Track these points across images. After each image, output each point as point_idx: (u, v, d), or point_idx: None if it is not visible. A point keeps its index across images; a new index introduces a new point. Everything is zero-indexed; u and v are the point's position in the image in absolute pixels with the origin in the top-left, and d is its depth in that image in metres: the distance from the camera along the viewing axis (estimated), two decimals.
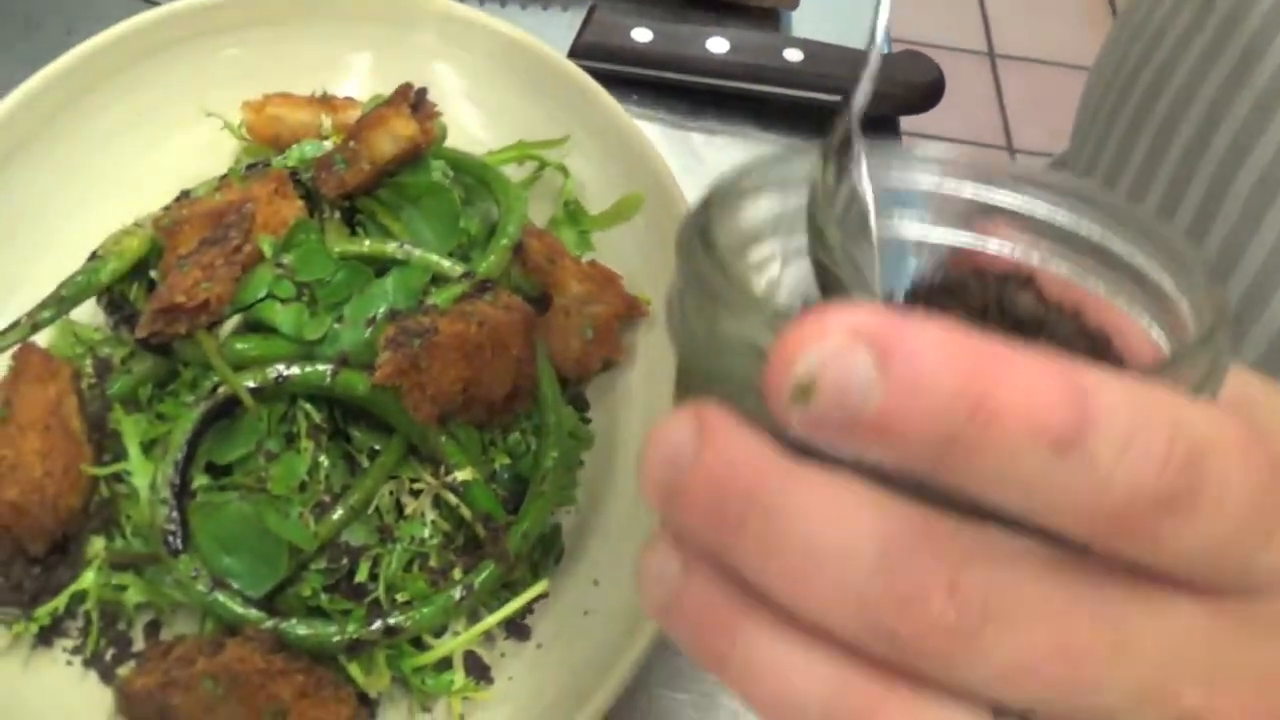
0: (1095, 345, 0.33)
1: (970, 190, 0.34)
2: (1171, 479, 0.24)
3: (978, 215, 0.34)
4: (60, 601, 0.52)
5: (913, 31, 2.31)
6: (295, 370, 0.52)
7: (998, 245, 0.34)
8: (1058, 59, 2.41)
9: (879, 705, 0.26)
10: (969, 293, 0.34)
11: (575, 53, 0.76)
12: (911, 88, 0.77)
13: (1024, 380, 0.24)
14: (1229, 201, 0.56)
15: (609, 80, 0.67)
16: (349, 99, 0.65)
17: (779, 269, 0.35)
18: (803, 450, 0.26)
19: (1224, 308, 0.30)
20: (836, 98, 0.76)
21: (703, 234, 0.31)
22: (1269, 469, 0.25)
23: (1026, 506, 0.25)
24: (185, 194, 0.61)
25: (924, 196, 0.35)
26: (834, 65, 0.76)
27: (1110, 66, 0.67)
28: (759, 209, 0.34)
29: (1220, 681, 0.26)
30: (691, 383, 0.31)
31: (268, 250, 0.55)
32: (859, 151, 0.33)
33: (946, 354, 0.23)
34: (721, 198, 0.33)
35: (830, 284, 0.33)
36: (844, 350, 0.23)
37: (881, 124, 0.78)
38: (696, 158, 0.76)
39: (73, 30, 0.72)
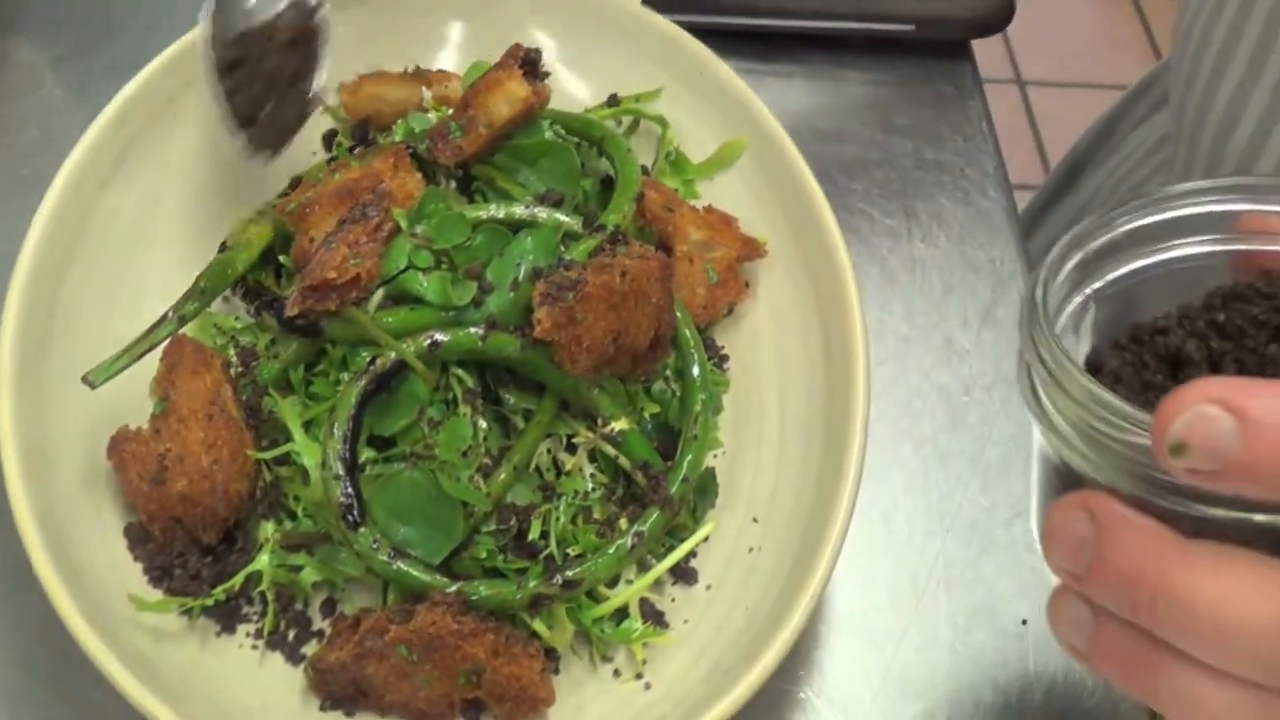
0: None
1: (1237, 204, 0.39)
2: None
3: (1258, 224, 0.39)
4: (236, 581, 0.52)
5: None
6: (447, 336, 0.53)
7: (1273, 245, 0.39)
8: None
9: None
10: (1261, 294, 0.37)
11: (649, 2, 0.76)
12: (981, 8, 0.77)
13: None
14: None
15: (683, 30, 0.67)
16: (444, 72, 0.65)
17: (1089, 315, 0.41)
18: (1175, 521, 0.33)
19: None
20: (908, 27, 0.77)
21: (1045, 330, 0.37)
22: None
23: None
24: (297, 180, 0.62)
25: (1193, 220, 0.40)
26: None
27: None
28: (1066, 279, 0.40)
29: None
30: (1061, 459, 0.37)
31: (403, 223, 0.55)
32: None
33: None
34: (1048, 277, 0.39)
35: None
36: (1207, 413, 0.30)
37: (953, 50, 0.79)
38: (774, 103, 0.76)
39: (153, 27, 0.72)
